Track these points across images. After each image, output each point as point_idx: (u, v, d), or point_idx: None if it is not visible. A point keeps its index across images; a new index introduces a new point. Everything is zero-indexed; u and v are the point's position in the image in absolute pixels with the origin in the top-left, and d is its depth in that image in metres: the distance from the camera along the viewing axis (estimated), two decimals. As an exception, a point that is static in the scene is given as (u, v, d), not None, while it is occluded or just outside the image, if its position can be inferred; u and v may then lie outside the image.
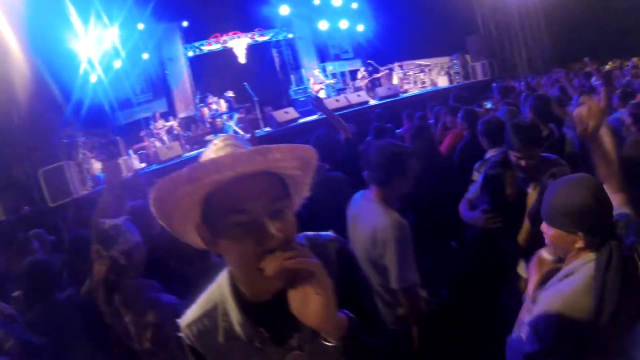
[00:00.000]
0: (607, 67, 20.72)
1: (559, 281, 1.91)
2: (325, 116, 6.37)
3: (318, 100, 6.72)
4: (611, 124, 5.67)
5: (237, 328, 1.25)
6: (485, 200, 3.42)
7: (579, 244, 1.83)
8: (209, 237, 1.19)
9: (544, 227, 1.95)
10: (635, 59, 24.72)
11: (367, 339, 1.18)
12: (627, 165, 4.61)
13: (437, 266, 3.36)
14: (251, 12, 17.50)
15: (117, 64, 14.51)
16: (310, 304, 1.08)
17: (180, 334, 1.35)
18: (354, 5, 19.69)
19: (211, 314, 1.31)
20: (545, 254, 2.12)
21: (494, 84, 11.64)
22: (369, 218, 2.85)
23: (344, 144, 4.92)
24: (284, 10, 17.49)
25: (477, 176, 3.89)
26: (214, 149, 1.20)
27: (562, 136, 5.70)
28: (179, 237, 1.25)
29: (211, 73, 17.50)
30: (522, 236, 2.94)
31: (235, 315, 1.25)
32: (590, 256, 1.82)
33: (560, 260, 2.03)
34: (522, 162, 3.15)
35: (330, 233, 1.40)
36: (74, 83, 12.84)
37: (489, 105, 7.36)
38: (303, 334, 1.21)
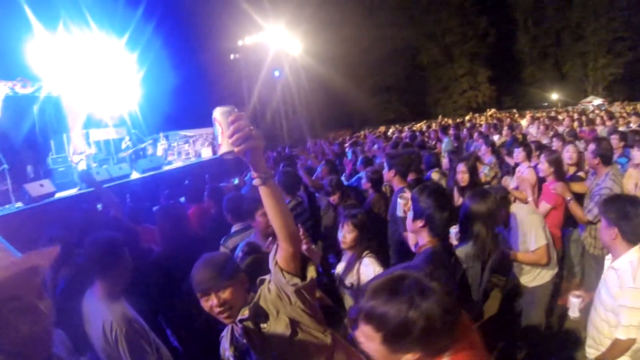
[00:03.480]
0: (361, 134, 23.60)
1: None
2: (89, 190, 6.15)
3: (87, 175, 6.30)
4: (354, 184, 6.63)
5: None
6: None
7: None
8: None
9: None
10: (382, 128, 28.58)
11: None
12: (368, 219, 5.53)
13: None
14: (14, 57, 13.95)
15: None
16: None
17: None
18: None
19: None
20: None
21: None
22: (97, 315, 2.85)
23: (111, 222, 4.90)
24: (51, 63, 14.80)
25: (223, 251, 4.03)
26: None
27: (313, 203, 6.35)
28: None
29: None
30: None
31: None
32: None
33: None
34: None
35: None
36: None
37: (235, 181, 7.80)
38: None
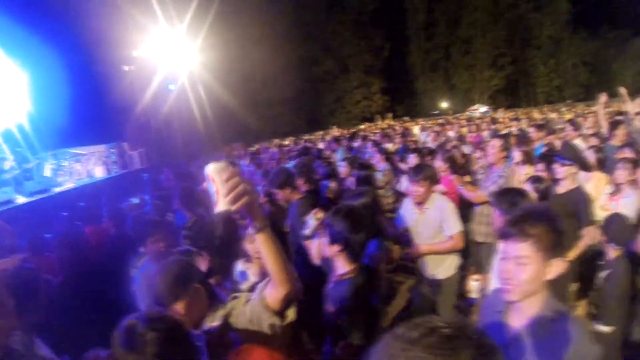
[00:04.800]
0: (255, 148, 23.58)
1: None
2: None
3: None
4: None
5: None
6: None
7: None
8: None
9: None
10: (277, 140, 28.78)
11: None
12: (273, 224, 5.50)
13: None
14: None
15: None
16: None
17: None
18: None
19: None
20: None
21: (144, 175, 11.86)
22: None
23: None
24: None
25: (134, 272, 3.87)
26: None
27: (212, 219, 6.32)
28: None
29: None
30: None
31: None
32: None
33: None
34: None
35: None
36: None
37: (135, 200, 7.59)
38: None
